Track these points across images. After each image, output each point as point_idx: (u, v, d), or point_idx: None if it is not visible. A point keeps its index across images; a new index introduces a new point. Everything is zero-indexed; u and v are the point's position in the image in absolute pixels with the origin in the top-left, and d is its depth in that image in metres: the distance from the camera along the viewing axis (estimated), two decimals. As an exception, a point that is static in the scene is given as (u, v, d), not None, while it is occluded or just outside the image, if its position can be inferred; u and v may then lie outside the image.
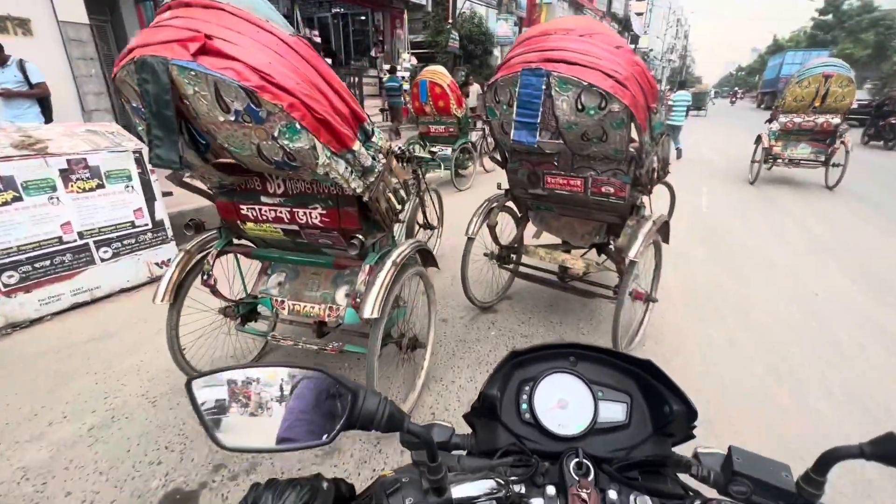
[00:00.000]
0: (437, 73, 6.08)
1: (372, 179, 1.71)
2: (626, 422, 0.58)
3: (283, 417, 0.45)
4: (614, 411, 0.59)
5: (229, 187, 1.95)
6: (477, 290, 3.15)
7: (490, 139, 7.84)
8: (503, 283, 3.43)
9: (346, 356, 2.58)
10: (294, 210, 1.91)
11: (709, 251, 4.42)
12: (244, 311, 2.29)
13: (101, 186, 3.22)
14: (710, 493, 0.50)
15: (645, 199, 2.63)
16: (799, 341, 2.86)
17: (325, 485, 0.49)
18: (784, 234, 5.02)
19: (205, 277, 2.08)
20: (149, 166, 3.39)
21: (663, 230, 2.60)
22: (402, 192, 2.04)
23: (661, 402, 0.57)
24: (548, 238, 3.15)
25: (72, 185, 3.07)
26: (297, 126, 1.39)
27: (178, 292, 2.06)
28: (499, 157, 2.84)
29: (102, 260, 3.29)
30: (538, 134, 2.13)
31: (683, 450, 0.58)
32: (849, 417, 2.19)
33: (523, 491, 0.51)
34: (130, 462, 1.91)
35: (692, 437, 0.58)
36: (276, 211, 1.95)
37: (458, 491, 0.49)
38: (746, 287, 3.65)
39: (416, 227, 3.71)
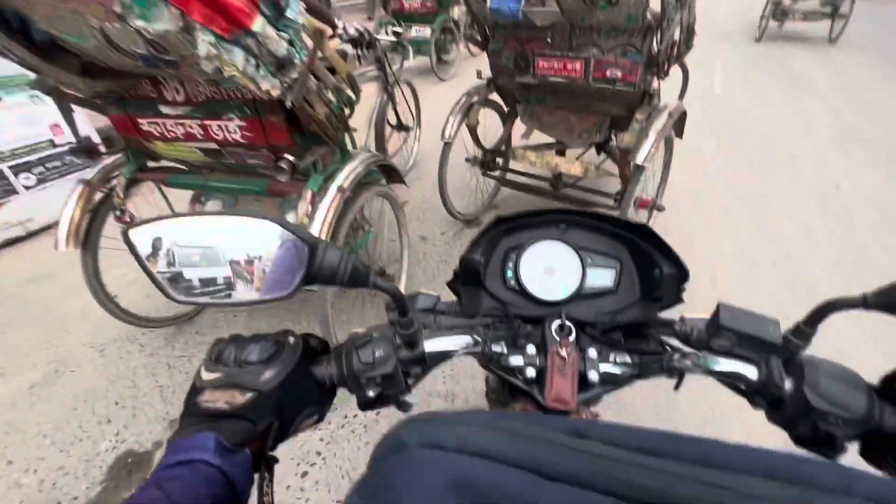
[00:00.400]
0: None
1: (294, 76, 1.23)
2: (613, 287, 0.57)
3: (238, 271, 0.41)
4: (602, 277, 0.57)
5: (115, 96, 1.47)
6: (459, 202, 2.79)
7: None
8: (489, 192, 3.04)
9: (303, 297, 2.31)
10: (205, 123, 1.46)
11: (722, 143, 3.93)
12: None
13: (-6, 99, 2.63)
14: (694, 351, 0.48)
15: (657, 83, 2.13)
16: (820, 252, 2.58)
17: (291, 339, 0.46)
18: (805, 113, 4.49)
19: (117, 214, 1.70)
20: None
21: (679, 123, 2.15)
22: (349, 92, 1.56)
23: (651, 267, 0.55)
24: (540, 138, 2.68)
25: (-46, 99, 2.49)
26: (147, -5, 0.89)
27: (89, 234, 1.69)
28: (478, 37, 2.25)
29: (26, 188, 2.84)
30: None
31: (671, 316, 0.54)
32: (874, 344, 1.94)
33: (504, 350, 0.51)
34: (77, 422, 1.73)
35: (681, 300, 0.55)
36: (183, 125, 1.49)
37: (431, 345, 0.49)
38: (762, 185, 3.27)
39: (389, 130, 3.19)
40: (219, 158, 1.62)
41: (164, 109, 1.46)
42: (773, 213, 2.91)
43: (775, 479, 0.18)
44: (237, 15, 1.04)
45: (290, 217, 1.77)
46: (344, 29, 2.45)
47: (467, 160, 2.67)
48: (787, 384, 0.42)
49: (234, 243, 0.40)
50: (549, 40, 1.99)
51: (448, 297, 0.60)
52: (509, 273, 0.58)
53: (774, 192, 3.14)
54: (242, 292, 0.42)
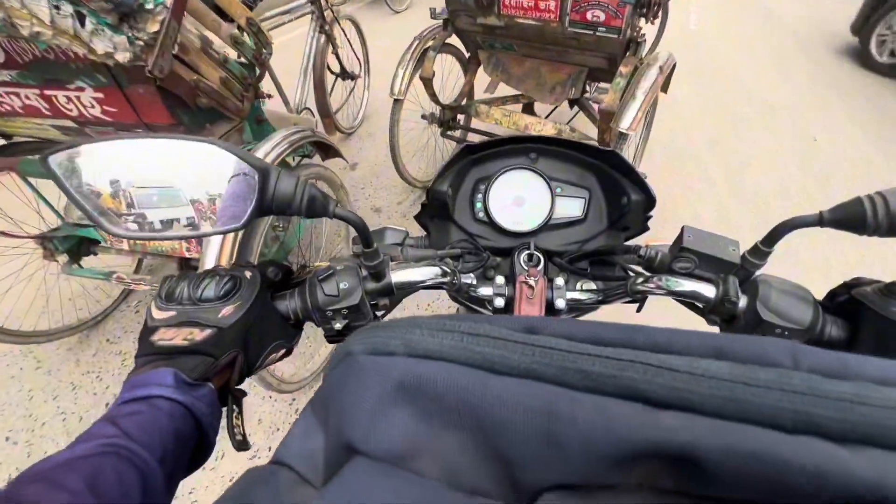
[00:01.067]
0: None
1: (153, 29, 0.84)
2: (581, 217, 0.58)
3: (201, 210, 0.38)
4: (571, 207, 0.58)
5: None
6: (415, 165, 2.44)
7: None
8: (448, 153, 2.69)
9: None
10: (46, 93, 1.04)
11: (698, 91, 3.65)
12: (67, 245, 1.55)
13: None
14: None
15: (644, 27, 1.79)
16: (799, 211, 2.46)
17: (248, 274, 0.44)
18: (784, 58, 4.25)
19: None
20: None
21: (667, 77, 1.84)
22: (252, 44, 1.16)
23: (619, 195, 0.55)
24: (506, 90, 2.31)
25: None
26: None
27: None
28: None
29: None
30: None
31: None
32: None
33: (472, 282, 0.51)
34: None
35: (647, 229, 0.57)
36: (17, 94, 1.07)
37: (398, 276, 0.48)
38: (739, 138, 3.07)
39: (331, 79, 2.70)
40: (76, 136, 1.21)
41: (-20, 73, 1.03)
42: (750, 170, 2.74)
43: (725, 359, 0.18)
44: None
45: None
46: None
47: (424, 117, 2.29)
48: (742, 301, 0.44)
49: (191, 177, 0.37)
50: (517, -29, 1.59)
51: (417, 233, 0.59)
52: (478, 205, 0.58)
53: (751, 148, 2.96)
54: (189, 225, 0.39)
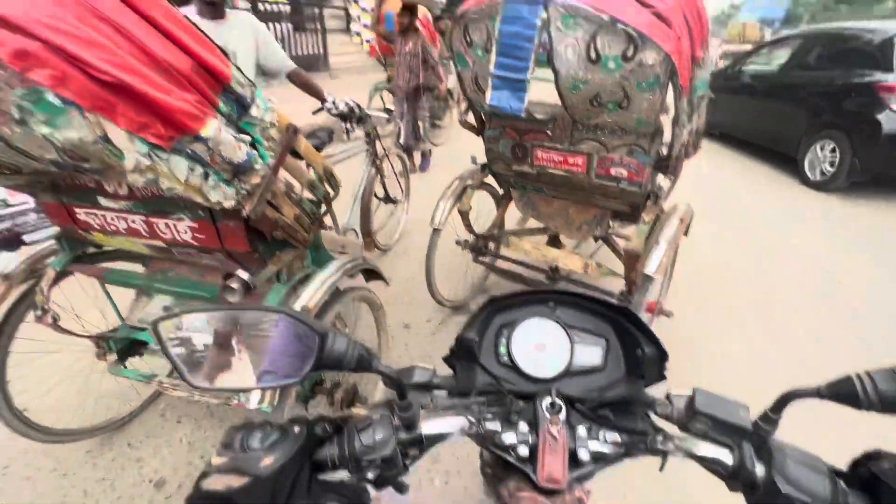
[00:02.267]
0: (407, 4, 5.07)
1: (255, 181, 1.03)
2: (601, 365, 0.60)
3: (253, 358, 0.48)
4: (591, 354, 0.60)
5: (44, 184, 1.24)
6: (447, 286, 2.56)
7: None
8: (479, 276, 2.83)
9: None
10: (151, 220, 1.23)
11: (716, 226, 3.85)
12: (120, 346, 1.65)
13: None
14: (675, 431, 0.51)
15: (664, 182, 2.00)
16: (835, 351, 2.39)
17: (296, 428, 0.47)
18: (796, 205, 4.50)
19: (38, 314, 1.42)
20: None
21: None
22: (326, 186, 1.36)
23: (635, 346, 0.58)
24: (534, 222, 2.51)
25: None
26: (53, 98, 0.69)
27: (8, 321, 1.41)
28: (473, 122, 2.13)
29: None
30: (527, 97, 1.44)
31: (657, 392, 0.57)
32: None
33: (498, 428, 0.52)
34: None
35: (664, 378, 0.58)
36: (126, 219, 1.26)
37: (428, 427, 0.51)
38: (762, 274, 3.14)
39: (375, 203, 3.02)
40: (168, 256, 1.38)
41: (104, 201, 1.24)
42: (776, 304, 2.75)
43: None
44: (182, 120, 0.84)
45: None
46: (333, 103, 2.33)
47: (458, 243, 2.47)
48: (759, 469, 0.45)
49: (251, 332, 0.47)
50: (549, 132, 1.86)
51: (444, 370, 0.62)
52: (502, 349, 0.61)
53: (776, 283, 3.00)
54: (258, 379, 0.48)
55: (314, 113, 2.41)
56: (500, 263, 2.53)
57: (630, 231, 1.82)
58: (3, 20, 0.64)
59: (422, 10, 5.04)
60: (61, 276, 1.45)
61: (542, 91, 1.60)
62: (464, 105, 2.11)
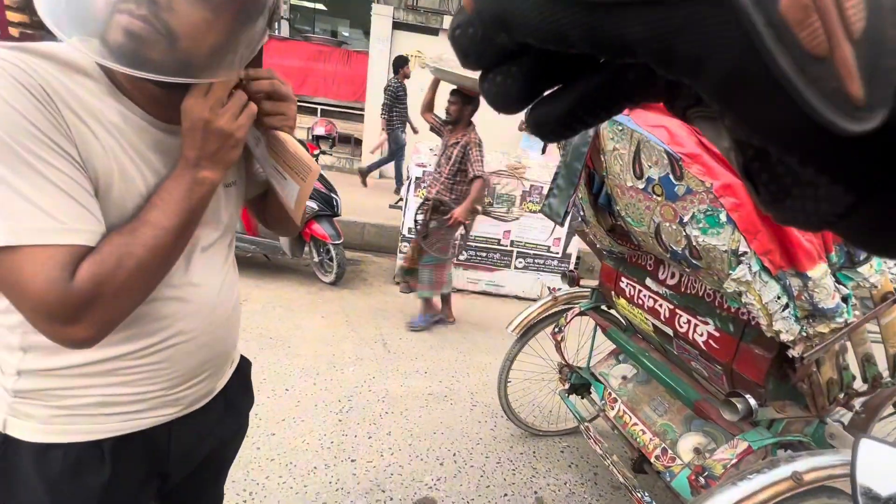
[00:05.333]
0: None
1: (822, 330, 0.99)
2: None
3: None
4: None
5: (618, 254, 1.71)
6: None
7: None
8: None
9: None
10: (676, 311, 1.45)
11: None
12: (576, 380, 2.05)
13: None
14: None
15: None
16: None
17: None
18: None
19: (555, 330, 1.98)
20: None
21: None
22: (881, 370, 1.14)
23: None
24: None
25: (524, 205, 3.74)
26: (721, 217, 0.94)
27: (528, 330, 2.06)
28: None
29: (516, 268, 3.90)
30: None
31: None
32: None
33: None
34: None
35: None
36: (655, 301, 1.55)
37: None
38: None
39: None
40: (663, 341, 1.58)
41: (650, 283, 1.57)
42: None
43: None
44: (800, 257, 0.93)
45: (690, 442, 1.49)
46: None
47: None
48: None
49: None
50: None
51: None
52: None
53: None
54: None
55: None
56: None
57: None
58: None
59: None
60: (581, 313, 1.97)
61: None
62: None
